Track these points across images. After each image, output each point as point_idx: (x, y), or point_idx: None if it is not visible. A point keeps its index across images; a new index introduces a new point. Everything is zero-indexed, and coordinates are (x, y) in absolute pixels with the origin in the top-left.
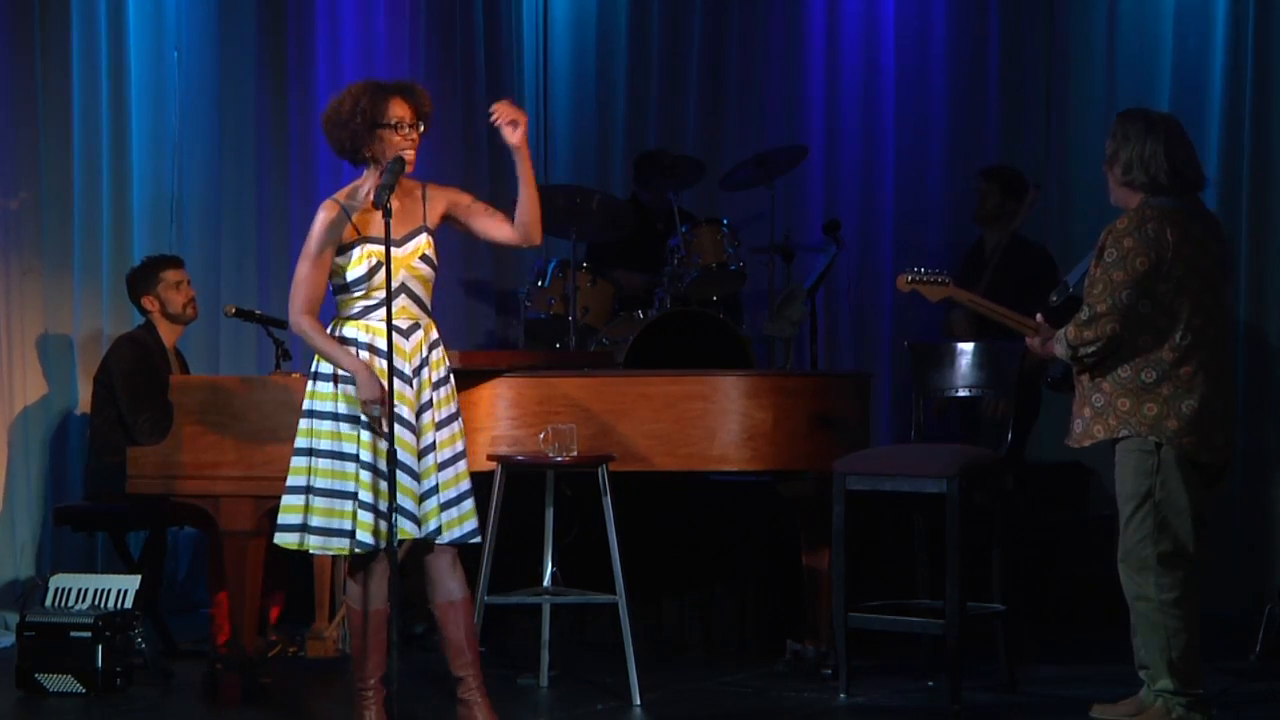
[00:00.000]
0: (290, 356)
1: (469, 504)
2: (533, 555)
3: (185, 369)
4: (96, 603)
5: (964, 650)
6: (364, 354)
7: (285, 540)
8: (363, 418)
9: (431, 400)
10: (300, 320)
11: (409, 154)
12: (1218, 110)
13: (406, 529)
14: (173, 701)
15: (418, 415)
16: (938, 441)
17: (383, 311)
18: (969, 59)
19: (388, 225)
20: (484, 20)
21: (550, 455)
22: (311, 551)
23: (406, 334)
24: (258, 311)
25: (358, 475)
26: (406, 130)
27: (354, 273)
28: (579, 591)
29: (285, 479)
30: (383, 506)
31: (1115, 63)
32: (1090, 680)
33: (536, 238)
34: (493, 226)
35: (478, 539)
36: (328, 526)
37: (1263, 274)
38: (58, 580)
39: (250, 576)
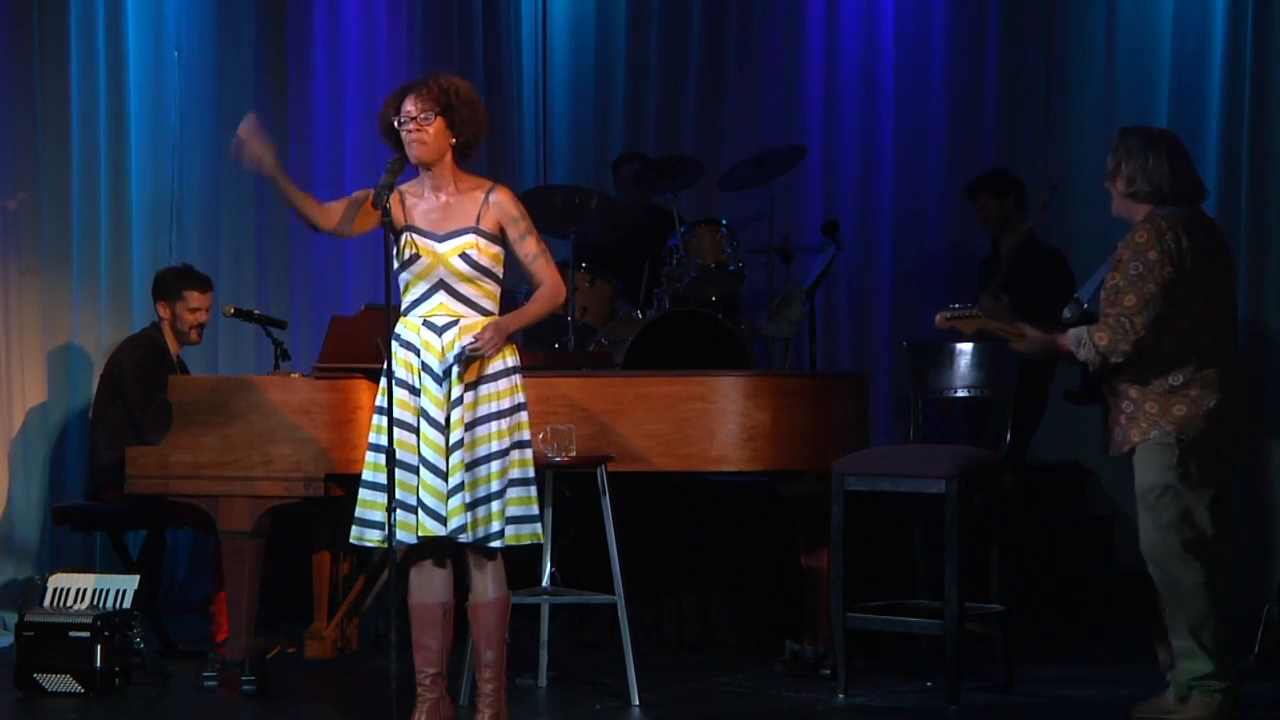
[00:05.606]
0: (289, 356)
1: (498, 505)
2: (531, 555)
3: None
4: (95, 602)
5: (963, 650)
6: (403, 352)
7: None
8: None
9: (464, 398)
10: None
11: (414, 149)
12: (1217, 111)
13: (430, 527)
14: (171, 701)
15: (448, 412)
16: (937, 442)
17: (424, 307)
18: (968, 60)
19: (387, 225)
20: (483, 21)
21: (549, 455)
22: (351, 541)
23: (440, 331)
24: (256, 311)
25: (386, 469)
26: (409, 126)
27: (397, 260)
28: (577, 592)
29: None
30: (410, 501)
31: (1114, 64)
32: (1089, 680)
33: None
34: (525, 266)
35: (497, 543)
36: (364, 518)
37: (1262, 275)
38: (56, 580)
39: (249, 577)
